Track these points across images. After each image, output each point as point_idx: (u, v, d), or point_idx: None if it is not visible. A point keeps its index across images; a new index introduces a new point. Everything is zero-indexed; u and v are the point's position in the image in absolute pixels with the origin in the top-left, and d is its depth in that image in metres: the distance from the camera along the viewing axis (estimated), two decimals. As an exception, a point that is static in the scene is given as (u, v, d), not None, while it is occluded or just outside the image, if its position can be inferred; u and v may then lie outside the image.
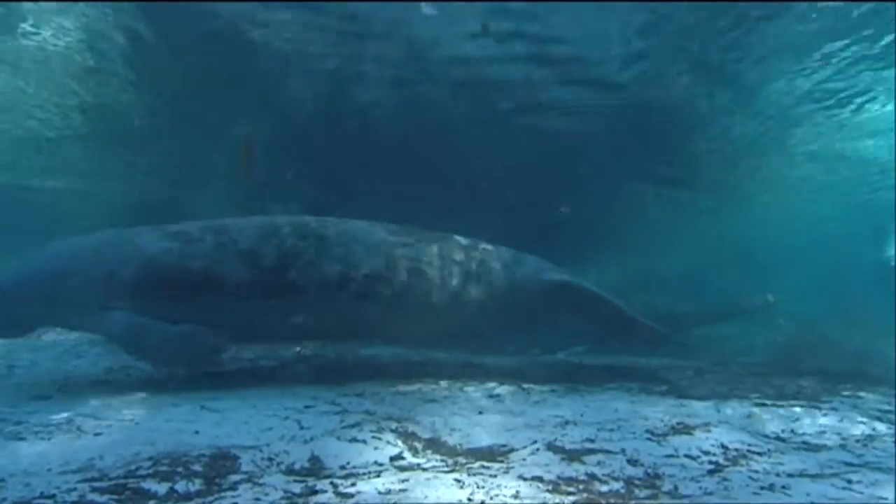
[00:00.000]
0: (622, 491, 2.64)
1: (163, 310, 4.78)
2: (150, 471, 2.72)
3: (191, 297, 4.86)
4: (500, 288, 5.91)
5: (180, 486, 2.55)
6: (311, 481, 2.67)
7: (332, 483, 2.63)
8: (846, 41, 7.79)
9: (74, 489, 2.48)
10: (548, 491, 2.57)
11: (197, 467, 2.79)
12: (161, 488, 2.53)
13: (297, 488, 2.56)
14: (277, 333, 5.40)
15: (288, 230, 5.20)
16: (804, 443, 3.65)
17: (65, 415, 3.70)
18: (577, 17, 7.31)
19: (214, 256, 4.92)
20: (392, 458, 3.07)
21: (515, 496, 2.49)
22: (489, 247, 6.17)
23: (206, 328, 4.78)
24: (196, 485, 2.59)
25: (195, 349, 4.79)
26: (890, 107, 9.90)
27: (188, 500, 2.45)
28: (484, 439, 3.50)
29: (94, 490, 2.47)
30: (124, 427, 3.48)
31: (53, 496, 2.41)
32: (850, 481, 2.78)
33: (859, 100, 9.76)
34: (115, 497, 2.42)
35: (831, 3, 6.85)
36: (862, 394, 5.22)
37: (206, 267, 4.87)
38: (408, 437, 3.47)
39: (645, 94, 9.32)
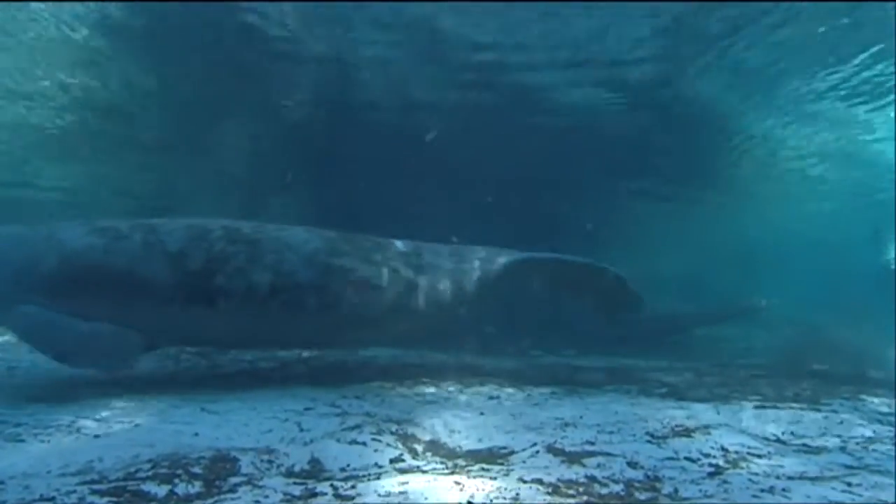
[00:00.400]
0: (622, 493, 2.64)
1: (82, 307, 4.59)
2: (150, 473, 2.71)
3: (112, 295, 4.68)
4: (453, 285, 5.70)
5: (180, 489, 2.55)
6: (310, 483, 2.66)
7: (332, 485, 2.63)
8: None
9: (74, 491, 2.47)
10: (548, 493, 2.57)
11: (197, 469, 2.79)
12: (161, 491, 2.52)
13: (296, 490, 2.56)
14: (204, 338, 5.27)
15: (219, 234, 5.03)
16: (804, 445, 3.65)
17: (64, 417, 3.70)
18: (592, 18, 7.30)
19: (140, 255, 4.75)
20: (392, 461, 3.07)
21: (515, 499, 2.49)
22: (434, 248, 5.92)
23: (122, 328, 4.60)
24: (196, 487, 2.58)
25: (108, 349, 4.59)
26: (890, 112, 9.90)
27: (188, 502, 2.45)
28: (484, 441, 3.50)
29: (93, 492, 2.47)
30: (124, 429, 3.47)
31: (53, 499, 2.40)
32: (850, 484, 2.79)
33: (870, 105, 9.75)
34: (115, 499, 2.42)
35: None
36: (862, 396, 5.23)
37: (130, 266, 4.70)
38: (408, 439, 3.47)
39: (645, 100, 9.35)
